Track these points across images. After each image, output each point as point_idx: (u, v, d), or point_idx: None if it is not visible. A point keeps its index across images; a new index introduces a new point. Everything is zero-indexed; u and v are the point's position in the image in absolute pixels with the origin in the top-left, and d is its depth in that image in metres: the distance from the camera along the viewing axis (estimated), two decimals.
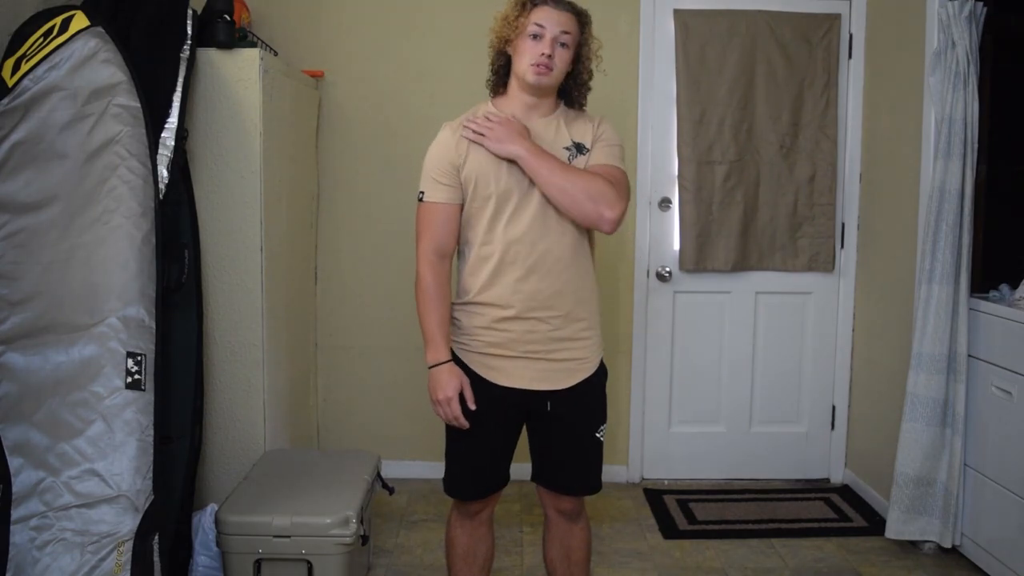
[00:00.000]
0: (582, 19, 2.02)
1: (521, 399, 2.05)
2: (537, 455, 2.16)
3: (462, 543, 2.21)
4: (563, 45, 1.97)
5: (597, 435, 2.12)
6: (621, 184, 2.01)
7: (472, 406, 2.00)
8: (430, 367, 2.02)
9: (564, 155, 2.01)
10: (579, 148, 2.03)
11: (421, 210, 2.05)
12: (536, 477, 2.17)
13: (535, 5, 1.98)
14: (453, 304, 2.10)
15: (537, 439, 2.15)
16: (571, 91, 2.09)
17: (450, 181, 2.02)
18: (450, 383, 1.99)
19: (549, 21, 1.96)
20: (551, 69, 1.96)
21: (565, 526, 2.19)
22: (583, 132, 2.06)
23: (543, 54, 1.95)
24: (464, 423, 2.01)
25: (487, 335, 2.04)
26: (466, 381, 2.01)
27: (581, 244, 2.05)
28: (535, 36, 1.96)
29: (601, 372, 2.13)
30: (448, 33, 3.47)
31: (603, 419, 2.13)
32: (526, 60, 1.97)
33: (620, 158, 2.08)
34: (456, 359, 2.07)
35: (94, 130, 2.24)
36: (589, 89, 2.12)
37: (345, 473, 2.63)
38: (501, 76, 2.09)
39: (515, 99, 2.05)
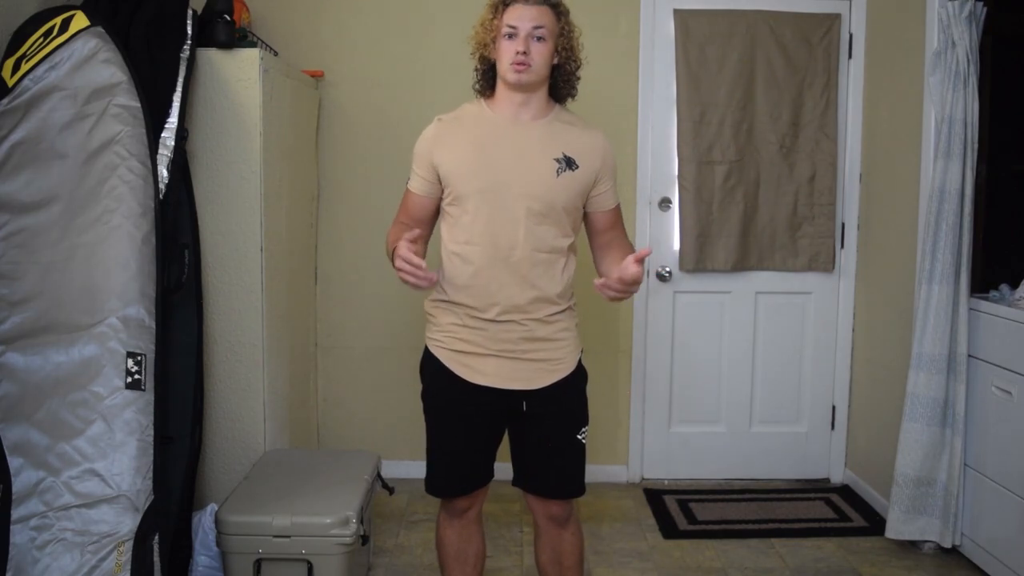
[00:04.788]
0: (557, 10, 2.02)
1: (497, 398, 2.04)
2: (519, 459, 2.14)
3: (452, 543, 2.21)
4: (539, 39, 1.97)
5: (579, 437, 2.10)
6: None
7: (417, 260, 1.88)
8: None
9: (553, 167, 1.99)
10: (569, 163, 2.01)
11: (404, 193, 2.14)
12: (519, 483, 2.15)
13: (507, 5, 1.99)
14: (430, 300, 2.12)
15: (517, 442, 2.14)
16: (559, 85, 2.07)
17: (425, 174, 2.07)
18: (400, 247, 1.91)
19: (521, 19, 1.97)
20: (529, 65, 1.96)
21: (555, 532, 2.17)
22: (578, 146, 2.03)
23: (518, 51, 1.95)
24: (417, 261, 1.88)
25: (461, 332, 2.04)
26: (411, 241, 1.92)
27: (559, 247, 2.03)
28: (510, 36, 1.98)
29: (579, 374, 2.11)
30: (448, 33, 3.47)
31: (584, 421, 2.12)
32: (505, 60, 1.98)
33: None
34: (431, 356, 2.09)
35: (94, 130, 2.24)
36: (578, 79, 2.10)
37: (345, 473, 2.63)
38: (487, 80, 2.10)
39: (504, 100, 2.05)
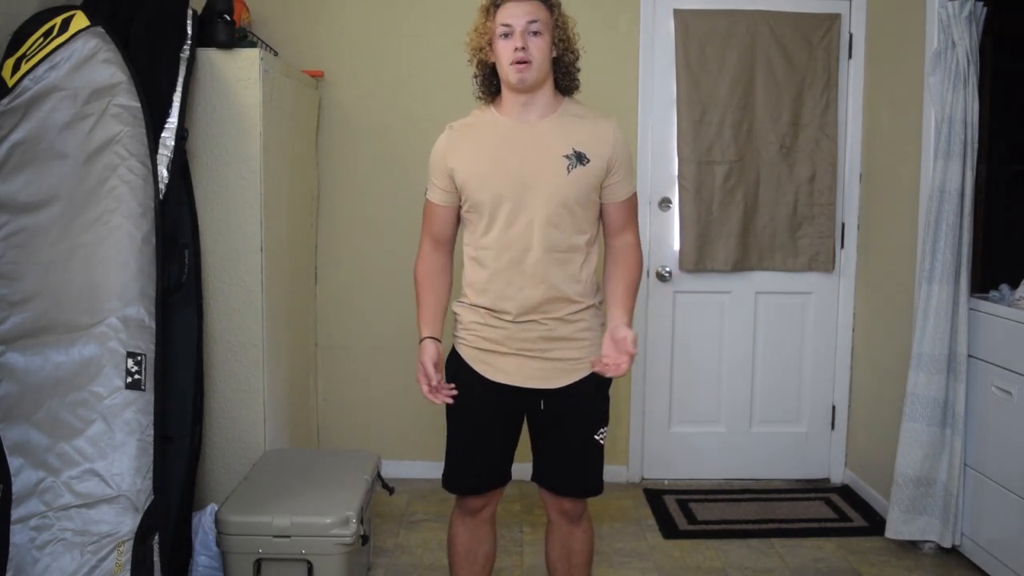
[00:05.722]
0: (549, 3, 2.01)
1: (516, 396, 2.06)
2: (537, 455, 2.16)
3: (463, 542, 2.21)
4: (535, 34, 1.96)
5: (596, 437, 2.10)
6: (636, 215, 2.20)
7: (435, 381, 2.03)
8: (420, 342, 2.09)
9: (563, 164, 1.98)
10: (580, 158, 1.99)
11: (424, 204, 2.14)
12: (536, 477, 2.16)
13: (498, 6, 1.98)
14: (456, 301, 2.14)
15: (536, 438, 2.15)
16: (560, 79, 2.06)
17: (443, 184, 2.07)
18: (425, 353, 2.05)
19: (514, 16, 1.95)
20: (529, 62, 1.95)
21: (567, 528, 2.18)
22: (587, 139, 2.01)
23: (517, 49, 1.94)
24: (438, 397, 2.04)
25: (483, 331, 2.05)
26: (439, 357, 2.07)
27: (579, 248, 2.03)
28: (505, 35, 1.96)
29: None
30: (448, 33, 3.46)
31: (603, 422, 2.11)
32: (504, 61, 1.97)
33: (633, 172, 2.12)
34: (456, 354, 2.11)
35: (94, 130, 2.24)
36: (578, 70, 2.08)
37: (345, 473, 2.63)
38: (488, 85, 2.08)
39: (509, 102, 2.04)
